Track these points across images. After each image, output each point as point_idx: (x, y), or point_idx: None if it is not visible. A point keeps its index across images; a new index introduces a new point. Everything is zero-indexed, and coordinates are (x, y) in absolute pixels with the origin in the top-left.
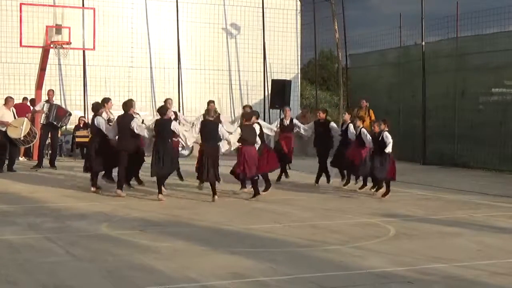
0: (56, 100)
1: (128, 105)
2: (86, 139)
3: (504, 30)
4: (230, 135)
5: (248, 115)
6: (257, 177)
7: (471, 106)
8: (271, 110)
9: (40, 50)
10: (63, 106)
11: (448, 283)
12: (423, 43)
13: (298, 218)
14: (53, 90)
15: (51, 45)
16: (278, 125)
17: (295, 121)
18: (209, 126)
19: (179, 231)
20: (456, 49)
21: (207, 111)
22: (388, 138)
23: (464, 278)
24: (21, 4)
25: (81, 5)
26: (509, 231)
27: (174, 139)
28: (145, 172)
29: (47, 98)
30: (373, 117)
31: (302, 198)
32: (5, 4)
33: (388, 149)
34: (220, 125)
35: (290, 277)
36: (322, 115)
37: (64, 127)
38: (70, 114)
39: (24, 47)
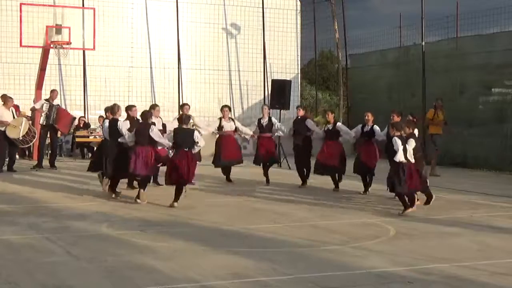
0: (56, 100)
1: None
2: (86, 139)
3: (503, 30)
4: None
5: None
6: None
7: (471, 106)
8: (271, 110)
9: (40, 50)
10: (63, 106)
11: (448, 283)
12: (423, 43)
13: (298, 218)
14: (57, 91)
15: (51, 45)
16: (360, 131)
17: (375, 127)
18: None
19: (178, 231)
20: (456, 49)
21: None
22: (396, 144)
23: (464, 278)
24: (21, 4)
25: (81, 5)
26: (509, 231)
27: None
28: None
29: (47, 97)
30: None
31: (302, 198)
32: (5, 4)
33: (397, 157)
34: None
35: (290, 277)
36: (396, 118)
37: None
38: (74, 118)
39: (24, 47)
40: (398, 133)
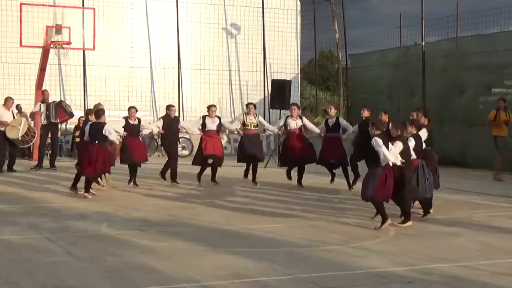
0: (52, 98)
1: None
2: None
3: (503, 30)
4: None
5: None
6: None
7: (471, 106)
8: (271, 110)
9: (40, 50)
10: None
11: (448, 283)
12: (423, 43)
13: (297, 218)
14: (47, 90)
15: (51, 45)
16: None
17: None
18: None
19: (178, 231)
20: (456, 49)
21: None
22: (377, 144)
23: (464, 278)
24: (21, 4)
25: (81, 5)
26: (509, 231)
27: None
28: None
29: (41, 99)
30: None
31: (302, 198)
32: (5, 4)
33: (383, 159)
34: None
35: (290, 277)
36: (384, 117)
37: (64, 126)
38: (73, 115)
39: (24, 47)
40: (378, 132)
